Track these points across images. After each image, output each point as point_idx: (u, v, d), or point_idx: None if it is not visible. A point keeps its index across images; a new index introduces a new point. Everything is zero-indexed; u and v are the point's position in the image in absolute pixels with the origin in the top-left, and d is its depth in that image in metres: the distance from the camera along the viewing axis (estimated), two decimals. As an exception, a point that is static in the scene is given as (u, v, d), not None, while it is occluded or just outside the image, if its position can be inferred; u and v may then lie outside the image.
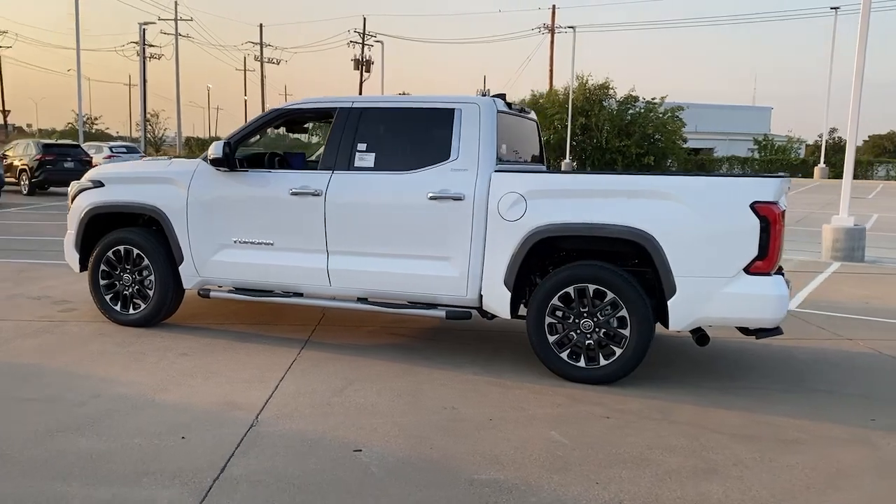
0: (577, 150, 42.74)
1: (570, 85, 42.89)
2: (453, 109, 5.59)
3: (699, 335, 5.27)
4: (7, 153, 24.48)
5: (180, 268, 6.23)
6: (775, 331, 5.13)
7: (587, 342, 5.18)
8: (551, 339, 5.25)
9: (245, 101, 76.08)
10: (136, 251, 6.33)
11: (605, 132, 41.25)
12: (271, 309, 7.18)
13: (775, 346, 6.31)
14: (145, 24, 46.53)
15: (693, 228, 4.95)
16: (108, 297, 6.47)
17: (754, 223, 4.80)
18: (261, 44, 66.92)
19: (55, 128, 68.76)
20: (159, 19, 50.81)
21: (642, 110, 41.61)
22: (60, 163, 23.31)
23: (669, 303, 4.98)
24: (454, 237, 5.43)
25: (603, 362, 5.16)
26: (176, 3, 50.84)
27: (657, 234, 4.97)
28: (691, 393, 5.06)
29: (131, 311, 6.41)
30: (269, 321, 6.83)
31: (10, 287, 8.09)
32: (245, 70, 78.04)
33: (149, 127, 57.34)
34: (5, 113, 62.89)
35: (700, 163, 50.33)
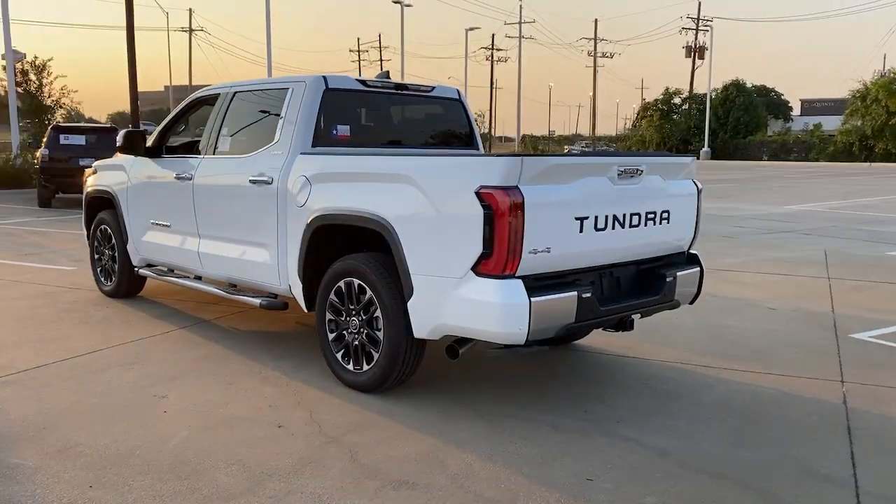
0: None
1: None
2: (286, 90, 5.34)
3: (447, 347, 4.33)
4: None
5: (127, 246, 6.87)
6: (512, 348, 4.09)
7: (354, 343, 4.63)
8: (330, 336, 4.78)
9: (591, 96, 76.40)
10: None
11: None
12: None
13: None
14: (470, 28, 49.58)
15: (427, 218, 4.15)
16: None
17: (478, 212, 3.84)
18: (594, 39, 67.21)
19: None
20: (505, 23, 54.03)
21: None
22: None
23: (409, 304, 4.23)
24: (266, 223, 5.21)
25: (365, 367, 4.57)
26: (521, 7, 53.70)
27: (394, 222, 4.26)
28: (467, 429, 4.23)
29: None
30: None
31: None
32: (595, 67, 76.92)
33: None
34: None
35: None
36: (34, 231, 12.51)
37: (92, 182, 7.40)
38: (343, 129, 5.33)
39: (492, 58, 72.23)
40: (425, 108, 5.99)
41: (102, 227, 7.20)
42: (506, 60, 76.35)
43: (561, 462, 3.68)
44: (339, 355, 4.72)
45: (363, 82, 5.46)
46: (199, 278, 6.22)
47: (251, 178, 5.26)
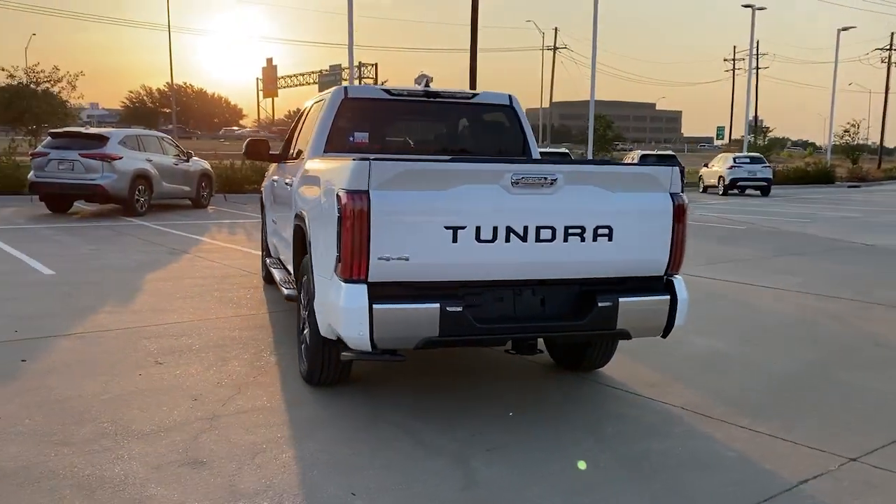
0: None
1: None
2: (323, 100, 5.79)
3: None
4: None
5: (267, 239, 7.93)
6: (366, 354, 3.98)
7: (302, 338, 4.93)
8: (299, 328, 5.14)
9: None
10: None
11: None
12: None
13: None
14: (843, 28, 43.97)
15: (320, 220, 4.33)
16: None
17: (336, 216, 3.88)
18: None
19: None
20: None
21: None
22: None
23: (314, 304, 4.40)
24: (290, 224, 5.71)
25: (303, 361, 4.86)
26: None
27: (308, 222, 4.52)
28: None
29: None
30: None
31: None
32: None
33: (846, 136, 53.88)
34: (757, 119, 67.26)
35: None
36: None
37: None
38: (361, 137, 5.61)
39: (888, 59, 63.68)
40: (470, 115, 5.94)
41: (267, 220, 8.39)
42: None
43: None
44: (301, 347, 5.03)
45: (387, 91, 5.67)
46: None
47: (286, 182, 5.82)
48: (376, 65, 78.92)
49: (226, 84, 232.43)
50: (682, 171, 4.39)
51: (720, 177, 29.94)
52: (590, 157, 31.65)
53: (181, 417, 4.23)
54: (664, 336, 4.40)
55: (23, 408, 4.31)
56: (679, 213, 4.26)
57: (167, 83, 56.09)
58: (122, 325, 6.27)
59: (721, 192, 29.58)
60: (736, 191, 29.59)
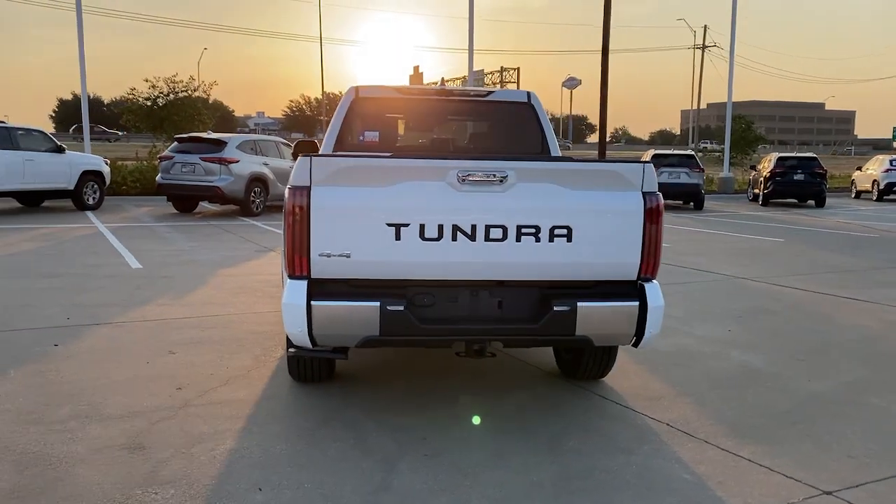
0: None
1: None
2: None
3: None
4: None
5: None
6: (314, 351, 3.97)
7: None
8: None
9: None
10: None
11: None
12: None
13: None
14: None
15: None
16: None
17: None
18: None
19: None
20: None
21: None
22: (790, 175, 23.93)
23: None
24: None
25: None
26: None
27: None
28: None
29: None
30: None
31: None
32: None
33: None
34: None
35: None
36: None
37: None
38: (371, 136, 5.62)
39: None
40: (485, 113, 5.79)
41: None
42: None
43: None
44: (290, 343, 5.11)
45: (398, 90, 5.64)
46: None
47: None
48: (518, 69, 78.84)
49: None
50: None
51: (874, 181, 27.40)
52: (726, 158, 29.92)
53: (154, 404, 4.41)
54: (635, 345, 4.08)
55: (22, 388, 4.65)
56: (652, 213, 3.93)
57: (322, 92, 58.90)
58: (162, 317, 6.62)
59: (875, 198, 27.06)
60: (894, 196, 26.95)
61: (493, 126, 5.93)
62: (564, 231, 3.87)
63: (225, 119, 78.11)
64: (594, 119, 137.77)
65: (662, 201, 3.99)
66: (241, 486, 3.40)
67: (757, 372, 5.35)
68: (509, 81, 79.92)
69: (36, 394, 4.56)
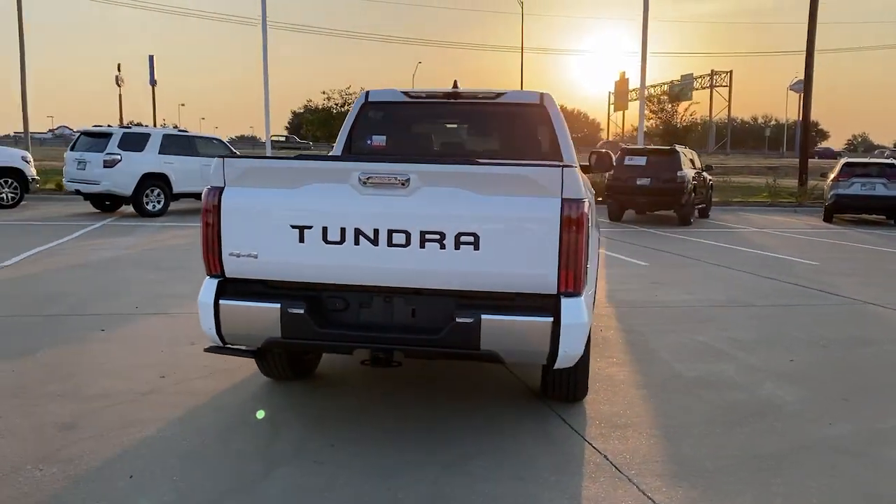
0: None
1: None
2: None
3: None
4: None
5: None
6: (225, 349, 4.01)
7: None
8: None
9: None
10: None
11: None
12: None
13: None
14: None
15: None
16: None
17: None
18: None
19: None
20: None
21: None
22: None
23: None
24: None
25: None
26: None
27: None
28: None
29: None
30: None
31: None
32: None
33: None
34: None
35: None
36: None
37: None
38: (378, 140, 5.61)
39: None
40: (496, 115, 5.55)
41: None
42: None
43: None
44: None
45: (406, 93, 5.59)
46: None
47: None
48: (731, 72, 74.47)
49: (577, 99, 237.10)
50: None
51: None
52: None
53: (125, 389, 4.72)
54: (551, 365, 3.71)
55: (29, 364, 5.18)
56: (571, 221, 3.57)
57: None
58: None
59: None
60: None
61: (505, 128, 5.68)
62: (471, 239, 3.62)
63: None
64: (826, 125, 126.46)
65: (586, 210, 3.61)
66: (117, 471, 3.55)
67: (777, 408, 4.65)
68: (720, 85, 75.44)
69: (38, 370, 5.06)
